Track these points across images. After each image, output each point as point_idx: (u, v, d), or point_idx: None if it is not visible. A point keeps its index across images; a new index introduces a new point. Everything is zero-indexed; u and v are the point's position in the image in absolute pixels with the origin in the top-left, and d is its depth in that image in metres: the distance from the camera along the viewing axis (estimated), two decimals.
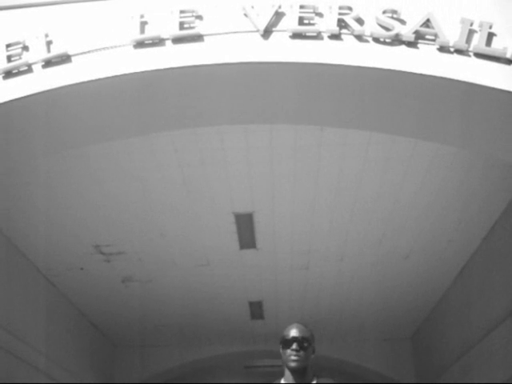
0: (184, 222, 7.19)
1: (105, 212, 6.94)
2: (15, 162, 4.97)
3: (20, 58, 4.23)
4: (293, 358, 3.02)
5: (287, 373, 3.10)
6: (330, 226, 7.31)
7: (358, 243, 7.82)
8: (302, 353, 3.04)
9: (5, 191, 6.25)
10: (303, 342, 3.05)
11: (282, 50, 4.07)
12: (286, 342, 3.07)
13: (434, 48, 4.07)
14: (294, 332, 3.09)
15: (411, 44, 4.06)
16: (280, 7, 4.09)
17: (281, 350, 3.10)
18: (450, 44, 4.03)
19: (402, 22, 4.09)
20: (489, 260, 7.59)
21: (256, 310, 10.12)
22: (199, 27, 4.11)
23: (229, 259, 8.17)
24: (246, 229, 7.21)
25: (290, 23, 4.07)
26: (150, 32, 4.15)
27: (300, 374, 3.07)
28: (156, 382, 13.01)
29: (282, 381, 3.12)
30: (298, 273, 8.64)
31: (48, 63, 4.19)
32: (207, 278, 8.79)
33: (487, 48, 4.02)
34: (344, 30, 4.06)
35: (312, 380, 3.11)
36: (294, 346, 3.03)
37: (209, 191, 6.53)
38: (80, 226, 7.24)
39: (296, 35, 4.06)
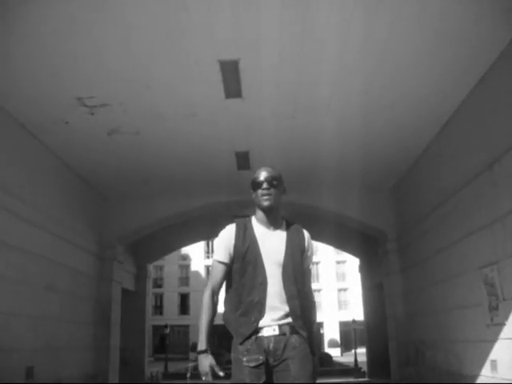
0: (169, 71, 7.02)
1: (85, 62, 6.72)
2: None
3: None
4: (264, 197, 3.21)
5: (259, 213, 3.27)
6: (316, 75, 7.19)
7: (345, 93, 7.76)
8: (272, 191, 3.22)
9: None
10: (272, 181, 3.22)
11: None
12: (257, 184, 3.24)
13: None
14: (263, 174, 3.26)
15: None
16: None
17: (253, 195, 3.27)
18: None
19: None
20: (473, 114, 7.63)
21: (242, 160, 10.23)
22: None
23: (215, 109, 8.10)
24: (231, 77, 7.04)
25: None
26: None
27: (272, 213, 3.25)
28: (146, 232, 13.54)
29: (253, 219, 3.29)
30: (284, 122, 8.64)
31: None
32: (194, 129, 8.78)
33: None
34: None
35: (282, 222, 3.32)
36: (265, 185, 3.20)
37: (192, 38, 6.29)
38: (60, 78, 7.05)
39: None
